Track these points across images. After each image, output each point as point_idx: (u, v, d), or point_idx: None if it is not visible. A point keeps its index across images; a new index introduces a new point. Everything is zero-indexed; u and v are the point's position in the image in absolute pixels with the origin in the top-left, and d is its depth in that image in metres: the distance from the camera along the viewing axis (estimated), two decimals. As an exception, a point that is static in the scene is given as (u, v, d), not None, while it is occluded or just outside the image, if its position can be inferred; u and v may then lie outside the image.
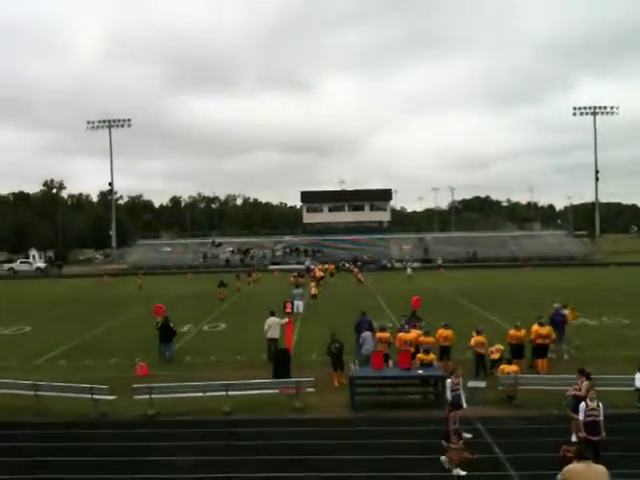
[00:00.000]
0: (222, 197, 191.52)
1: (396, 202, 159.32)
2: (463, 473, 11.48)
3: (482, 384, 16.09)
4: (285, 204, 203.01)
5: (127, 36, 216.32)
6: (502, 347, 18.82)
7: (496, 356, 18.48)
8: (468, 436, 13.39)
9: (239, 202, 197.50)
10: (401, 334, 19.23)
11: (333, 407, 16.07)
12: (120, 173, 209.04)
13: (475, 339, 18.96)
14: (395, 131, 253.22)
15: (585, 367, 13.81)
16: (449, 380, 13.80)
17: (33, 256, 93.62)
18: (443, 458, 11.83)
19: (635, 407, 15.17)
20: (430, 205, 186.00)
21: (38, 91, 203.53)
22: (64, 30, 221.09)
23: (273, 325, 21.70)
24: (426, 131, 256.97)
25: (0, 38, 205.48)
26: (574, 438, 12.49)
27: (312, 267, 64.68)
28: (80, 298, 46.87)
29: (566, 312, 22.34)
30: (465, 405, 13.58)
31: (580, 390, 13.02)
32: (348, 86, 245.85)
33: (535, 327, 19.33)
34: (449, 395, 13.53)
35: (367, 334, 19.56)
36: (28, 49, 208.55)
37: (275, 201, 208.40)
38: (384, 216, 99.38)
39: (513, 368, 16.67)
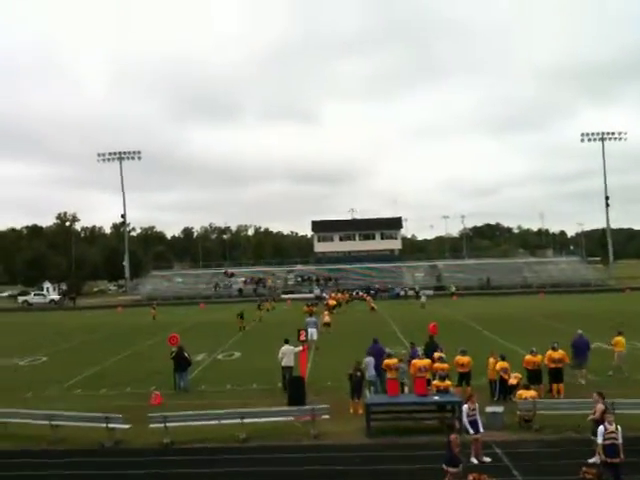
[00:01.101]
0: (234, 227, 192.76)
1: (407, 230, 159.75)
2: None
3: (500, 409, 15.98)
4: (296, 233, 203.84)
5: (137, 70, 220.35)
6: (519, 375, 18.72)
7: (514, 382, 18.37)
8: (487, 460, 13.29)
9: (251, 232, 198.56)
10: (415, 360, 19.11)
11: (349, 434, 15.99)
12: (132, 205, 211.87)
13: (500, 364, 18.90)
14: (403, 159, 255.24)
15: (603, 391, 13.72)
16: (465, 406, 13.74)
17: (47, 288, 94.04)
18: None
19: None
20: (441, 233, 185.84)
21: (50, 125, 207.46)
22: (74, 65, 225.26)
23: (287, 353, 21.67)
24: (434, 158, 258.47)
25: (11, 73, 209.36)
26: (593, 460, 12.35)
27: (324, 295, 64.63)
28: (94, 329, 47.01)
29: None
30: (482, 430, 13.49)
31: (595, 413, 12.96)
32: (352, 114, 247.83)
33: (549, 352, 19.26)
34: (466, 421, 13.46)
35: (369, 359, 19.49)
36: (38, 83, 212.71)
37: (286, 231, 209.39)
38: (395, 244, 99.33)
39: (531, 393, 16.55)
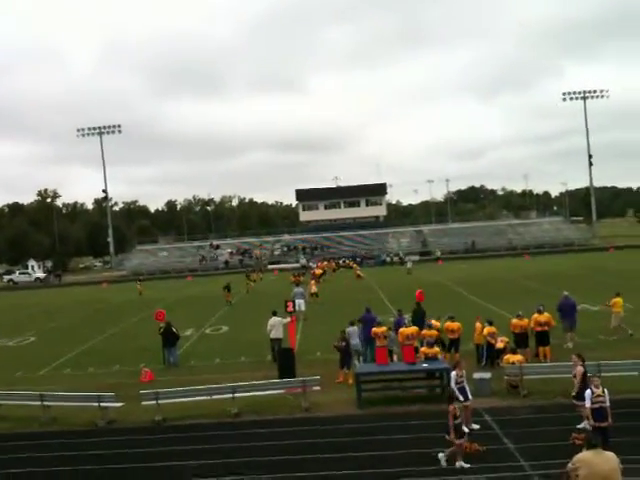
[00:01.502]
0: (217, 199, 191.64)
1: (391, 196, 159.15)
2: (467, 465, 11.53)
3: (487, 375, 16.15)
4: (281, 203, 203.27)
5: (116, 43, 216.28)
6: (506, 338, 18.88)
7: (500, 346, 18.54)
8: (476, 427, 13.45)
9: (235, 203, 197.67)
10: (402, 329, 19.22)
11: (340, 405, 16.12)
12: (114, 180, 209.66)
13: (487, 329, 19.00)
14: (386, 125, 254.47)
15: (584, 352, 13.87)
16: (453, 373, 13.84)
17: (32, 266, 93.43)
18: (441, 455, 11.82)
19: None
20: (426, 197, 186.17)
21: (28, 101, 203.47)
22: (53, 38, 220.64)
23: (276, 325, 21.72)
24: (417, 124, 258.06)
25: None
26: (582, 425, 12.55)
27: (311, 265, 64.70)
28: (81, 306, 46.85)
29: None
30: (471, 397, 13.63)
31: (575, 376, 13.12)
32: (337, 83, 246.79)
33: (534, 315, 19.40)
34: (454, 387, 13.58)
35: (352, 329, 19.52)
36: (16, 59, 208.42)
37: (271, 200, 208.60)
38: (380, 211, 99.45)
39: (517, 358, 16.72)
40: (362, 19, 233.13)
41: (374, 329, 19.24)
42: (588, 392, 11.62)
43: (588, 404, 11.48)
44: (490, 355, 18.77)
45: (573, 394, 13.10)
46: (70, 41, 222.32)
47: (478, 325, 19.61)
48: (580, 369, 13.08)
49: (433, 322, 20.01)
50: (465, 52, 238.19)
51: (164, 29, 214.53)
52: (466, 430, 12.08)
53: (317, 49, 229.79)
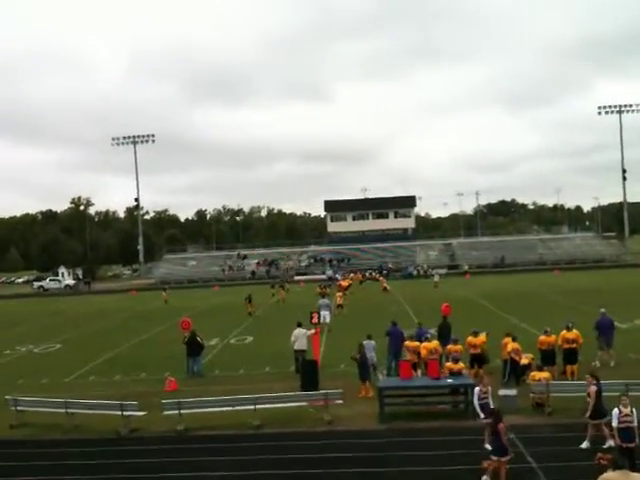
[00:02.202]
0: (246, 209, 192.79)
1: (420, 208, 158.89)
2: None
3: (513, 392, 15.87)
4: (309, 214, 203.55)
5: (148, 54, 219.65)
6: (531, 355, 18.56)
7: (525, 362, 18.22)
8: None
9: (263, 213, 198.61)
10: (425, 343, 19.04)
11: (362, 419, 15.96)
12: (146, 188, 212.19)
13: (511, 345, 18.67)
14: (416, 137, 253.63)
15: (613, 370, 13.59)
16: (477, 389, 13.62)
17: (62, 273, 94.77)
18: (485, 478, 11.47)
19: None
20: (455, 210, 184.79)
21: (64, 111, 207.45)
22: (87, 50, 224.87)
23: (300, 336, 21.63)
24: (447, 136, 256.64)
25: (26, 59, 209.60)
26: (607, 444, 12.27)
27: (337, 277, 64.58)
28: (108, 314, 47.35)
29: None
30: None
31: (589, 396, 12.91)
32: (365, 94, 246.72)
33: (563, 332, 19.04)
34: (476, 404, 13.36)
35: (369, 342, 19.46)
36: (52, 69, 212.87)
37: (299, 211, 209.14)
38: (409, 223, 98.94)
39: (544, 375, 16.40)
40: (391, 31, 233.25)
41: (407, 343, 19.14)
42: (615, 411, 11.36)
43: (615, 423, 11.21)
44: (514, 372, 18.42)
45: (587, 415, 12.89)
46: (102, 50, 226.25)
47: (506, 340, 19.31)
48: (593, 388, 12.95)
49: (481, 336, 19.63)
50: (493, 65, 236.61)
51: (193, 40, 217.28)
52: (489, 447, 11.84)
53: (345, 60, 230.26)
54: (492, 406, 13.38)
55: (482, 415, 13.22)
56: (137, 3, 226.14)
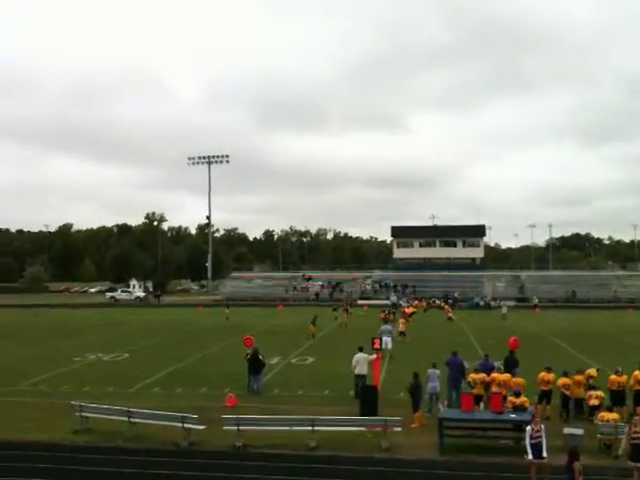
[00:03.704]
0: (313, 231, 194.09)
1: (490, 238, 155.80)
2: None
3: (580, 431, 15.27)
4: (375, 239, 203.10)
5: (227, 80, 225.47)
6: (602, 394, 17.85)
7: (595, 402, 17.55)
8: None
9: (330, 236, 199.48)
10: (495, 374, 18.67)
11: (421, 448, 15.67)
12: (217, 207, 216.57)
13: (562, 380, 18.35)
14: (487, 166, 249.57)
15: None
16: (529, 427, 13.17)
17: (134, 285, 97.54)
18: None
19: None
20: (526, 242, 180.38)
21: (142, 130, 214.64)
22: (169, 75, 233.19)
23: (361, 361, 21.48)
24: (520, 167, 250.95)
25: (110, 80, 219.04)
26: None
27: (401, 303, 63.96)
28: (175, 327, 48.31)
29: None
30: (545, 454, 12.90)
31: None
32: (435, 122, 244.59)
33: (635, 372, 18.29)
34: (527, 443, 12.91)
35: (432, 371, 19.19)
36: (134, 91, 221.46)
37: (365, 236, 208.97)
38: (477, 252, 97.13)
39: (613, 416, 15.74)
40: (461, 61, 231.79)
41: (472, 375, 18.82)
42: None
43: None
44: (566, 407, 18.28)
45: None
46: (183, 74, 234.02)
47: (577, 378, 18.68)
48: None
49: (588, 372, 19.10)
50: (568, 97, 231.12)
51: (272, 67, 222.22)
52: None
53: (415, 89, 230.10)
54: (544, 447, 12.91)
55: (530, 456, 12.78)
56: (218, 32, 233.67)
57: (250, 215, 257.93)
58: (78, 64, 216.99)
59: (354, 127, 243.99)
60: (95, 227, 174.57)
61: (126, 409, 17.14)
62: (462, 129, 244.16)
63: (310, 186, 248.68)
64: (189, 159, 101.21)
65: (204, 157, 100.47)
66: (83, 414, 17.55)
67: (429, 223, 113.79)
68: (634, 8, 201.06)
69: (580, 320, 54.64)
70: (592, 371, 19.46)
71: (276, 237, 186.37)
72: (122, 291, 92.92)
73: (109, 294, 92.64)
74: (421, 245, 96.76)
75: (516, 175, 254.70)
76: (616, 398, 17.74)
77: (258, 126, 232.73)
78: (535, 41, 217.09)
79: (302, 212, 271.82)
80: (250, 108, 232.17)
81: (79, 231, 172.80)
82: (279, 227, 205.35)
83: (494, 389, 17.87)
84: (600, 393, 17.85)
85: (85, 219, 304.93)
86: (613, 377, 18.34)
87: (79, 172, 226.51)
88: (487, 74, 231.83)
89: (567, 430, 15.31)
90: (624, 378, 18.21)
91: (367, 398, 18.51)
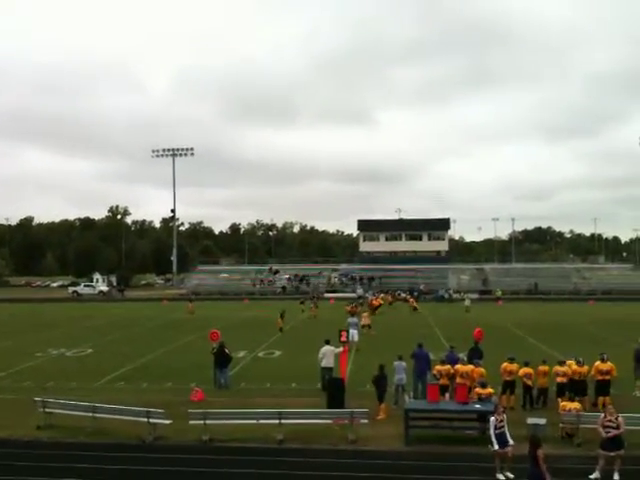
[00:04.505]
0: (280, 225, 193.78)
1: (454, 232, 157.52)
2: None
3: (542, 421, 15.55)
4: (342, 232, 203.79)
5: (195, 71, 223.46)
6: (569, 370, 18.39)
7: (563, 380, 18.26)
8: (510, 476, 12.92)
9: (296, 230, 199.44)
10: (458, 366, 18.92)
11: (387, 439, 15.78)
12: (182, 200, 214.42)
13: (523, 370, 18.76)
14: (453, 161, 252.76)
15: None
16: (492, 418, 13.41)
17: (97, 280, 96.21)
18: None
19: None
20: (490, 235, 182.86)
21: (107, 123, 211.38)
22: (134, 66, 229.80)
23: (327, 354, 21.55)
24: (485, 162, 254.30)
25: (73, 72, 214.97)
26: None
27: (367, 296, 64.31)
28: (140, 322, 47.82)
29: None
30: (511, 442, 13.15)
31: (618, 427, 12.95)
32: (406, 118, 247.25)
33: (596, 363, 18.69)
34: (492, 433, 13.13)
35: (398, 364, 19.32)
36: (98, 84, 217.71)
37: (332, 229, 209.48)
38: (442, 246, 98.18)
39: (575, 405, 16.08)
40: (431, 58, 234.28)
41: (437, 366, 19.08)
42: None
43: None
44: (528, 397, 18.73)
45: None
46: (149, 66, 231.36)
47: (541, 368, 19.02)
48: (621, 420, 13.16)
49: (569, 362, 19.17)
50: (532, 94, 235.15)
51: (238, 60, 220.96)
52: (501, 478, 11.63)
53: (385, 85, 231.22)
54: (508, 435, 13.15)
55: (496, 446, 13.01)
56: (188, 24, 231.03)
57: (216, 209, 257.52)
58: (43, 56, 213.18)
59: (323, 121, 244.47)
60: (57, 220, 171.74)
61: (91, 404, 16.94)
62: (431, 124, 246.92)
63: (278, 180, 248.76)
64: (153, 152, 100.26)
65: (169, 150, 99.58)
66: (47, 410, 17.28)
67: (395, 217, 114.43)
68: (600, 8, 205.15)
69: (542, 312, 55.61)
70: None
71: (242, 231, 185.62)
72: (85, 285, 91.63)
73: (72, 288, 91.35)
74: (387, 239, 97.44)
75: (482, 170, 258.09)
76: (577, 388, 18.10)
77: (227, 119, 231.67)
78: (504, 39, 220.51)
79: (269, 206, 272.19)
80: (219, 101, 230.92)
81: (41, 224, 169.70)
82: (246, 221, 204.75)
83: (458, 380, 18.16)
84: (567, 369, 18.31)
85: (47, 212, 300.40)
86: (575, 367, 18.67)
87: (41, 165, 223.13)
88: (457, 71, 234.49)
89: (530, 420, 15.57)
90: (585, 368, 18.57)
91: (334, 391, 18.56)
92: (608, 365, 18.58)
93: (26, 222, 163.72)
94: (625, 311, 55.49)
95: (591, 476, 12.84)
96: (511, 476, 12.96)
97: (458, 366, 18.98)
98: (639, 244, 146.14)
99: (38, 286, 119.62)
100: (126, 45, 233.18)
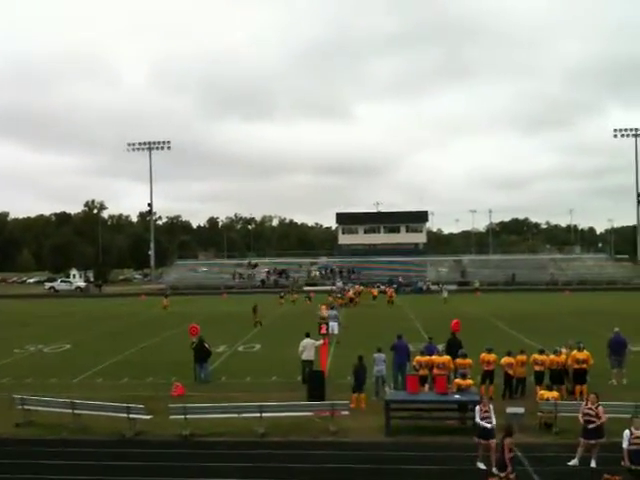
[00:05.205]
0: (258, 218, 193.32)
1: (432, 224, 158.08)
2: None
3: (521, 410, 15.75)
4: (321, 225, 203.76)
5: (167, 62, 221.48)
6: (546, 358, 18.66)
7: (540, 368, 18.51)
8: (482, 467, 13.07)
9: (275, 223, 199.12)
10: (435, 357, 19.05)
11: (368, 431, 15.88)
12: (159, 194, 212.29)
13: (504, 360, 18.90)
14: (431, 154, 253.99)
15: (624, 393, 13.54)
16: (477, 407, 13.57)
17: (74, 275, 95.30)
18: None
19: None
20: (467, 227, 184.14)
21: (80, 115, 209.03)
22: (109, 58, 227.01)
23: (308, 346, 21.59)
24: (462, 154, 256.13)
25: (47, 64, 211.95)
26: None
27: (346, 288, 64.50)
28: (118, 317, 47.49)
29: None
30: (493, 424, 13.33)
31: (599, 417, 13.10)
32: (383, 110, 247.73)
33: (573, 352, 18.94)
34: (478, 421, 13.28)
35: (378, 355, 19.37)
36: (71, 76, 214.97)
37: (311, 222, 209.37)
38: (420, 238, 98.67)
39: (552, 394, 16.29)
40: (407, 51, 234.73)
41: (417, 357, 19.17)
42: (627, 433, 11.32)
43: (625, 445, 11.14)
44: (508, 387, 18.95)
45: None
46: (124, 58, 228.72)
47: (520, 358, 19.23)
48: (601, 408, 13.28)
49: (564, 350, 19.37)
50: (509, 87, 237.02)
51: (214, 53, 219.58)
52: (482, 467, 11.76)
53: (361, 78, 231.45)
54: (493, 424, 13.29)
55: (488, 426, 13.15)
56: (163, 15, 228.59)
57: (194, 203, 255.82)
58: (16, 47, 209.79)
59: (301, 114, 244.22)
60: (33, 216, 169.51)
61: (70, 401, 16.80)
62: (408, 117, 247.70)
63: (256, 173, 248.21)
64: (129, 145, 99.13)
65: (144, 143, 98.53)
66: (25, 407, 17.11)
67: (374, 210, 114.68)
68: (575, 1, 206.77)
69: (519, 302, 56.24)
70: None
71: (220, 224, 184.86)
72: (62, 281, 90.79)
73: (48, 284, 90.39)
74: (366, 231, 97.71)
75: (458, 162, 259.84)
76: (555, 377, 18.35)
77: (204, 112, 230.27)
78: (479, 31, 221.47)
79: (248, 199, 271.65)
80: (195, 94, 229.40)
81: (16, 220, 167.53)
82: (224, 215, 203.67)
83: (435, 371, 18.28)
84: (544, 358, 18.61)
85: (22, 207, 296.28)
86: (552, 357, 18.91)
87: (15, 159, 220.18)
88: (432, 63, 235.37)
89: (509, 409, 15.75)
90: (562, 358, 18.80)
91: (314, 383, 18.61)
92: (584, 354, 18.83)
93: (1, 217, 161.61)
94: (600, 301, 56.32)
95: (569, 463, 13.05)
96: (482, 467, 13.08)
97: (434, 357, 19.09)
98: (614, 235, 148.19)
99: (14, 282, 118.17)
100: (101, 37, 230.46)
